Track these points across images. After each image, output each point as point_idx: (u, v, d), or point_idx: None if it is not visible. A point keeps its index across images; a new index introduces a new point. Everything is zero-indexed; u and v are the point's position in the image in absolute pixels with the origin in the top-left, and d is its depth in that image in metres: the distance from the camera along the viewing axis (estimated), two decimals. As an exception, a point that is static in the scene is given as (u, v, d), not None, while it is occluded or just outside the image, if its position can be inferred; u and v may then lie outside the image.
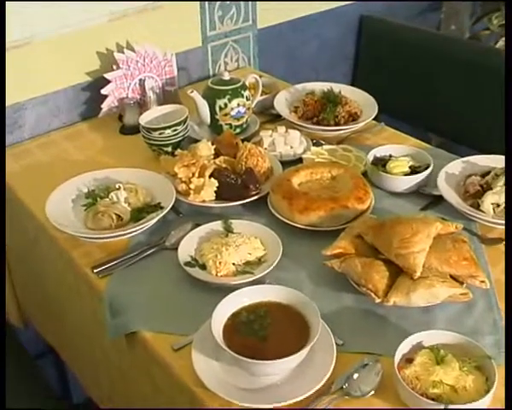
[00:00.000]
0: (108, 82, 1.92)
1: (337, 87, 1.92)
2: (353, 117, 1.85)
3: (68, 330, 1.68)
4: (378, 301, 1.20)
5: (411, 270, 1.20)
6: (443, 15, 2.98)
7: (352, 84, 2.30)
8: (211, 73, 2.27)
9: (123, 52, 1.93)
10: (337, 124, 1.82)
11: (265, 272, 1.28)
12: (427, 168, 1.56)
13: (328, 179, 1.54)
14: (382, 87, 2.34)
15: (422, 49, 2.48)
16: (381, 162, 1.60)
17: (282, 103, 1.92)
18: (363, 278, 1.22)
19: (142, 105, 1.94)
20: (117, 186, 1.50)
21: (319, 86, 1.95)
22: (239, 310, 1.13)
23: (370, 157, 1.62)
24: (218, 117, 1.78)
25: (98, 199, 1.48)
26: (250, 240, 1.36)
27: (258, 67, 2.40)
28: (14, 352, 1.64)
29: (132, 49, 1.95)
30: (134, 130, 1.84)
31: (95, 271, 1.35)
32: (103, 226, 1.43)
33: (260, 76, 1.97)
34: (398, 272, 1.23)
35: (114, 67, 1.93)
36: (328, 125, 1.81)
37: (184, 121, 1.71)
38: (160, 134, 1.68)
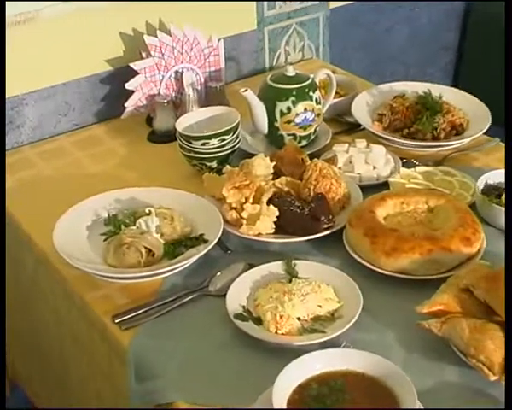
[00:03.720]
0: (136, 73, 1.97)
1: (436, 89, 1.95)
2: (457, 130, 1.88)
3: (71, 397, 1.73)
4: (493, 378, 1.21)
5: (539, 338, 1.21)
6: None
7: (455, 85, 2.33)
8: (267, 65, 2.34)
9: (155, 35, 1.98)
10: (436, 138, 1.86)
11: (341, 331, 1.31)
12: (558, 202, 1.58)
13: (423, 212, 1.57)
14: (496, 90, 2.36)
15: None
16: (495, 192, 1.63)
17: (361, 109, 1.97)
18: (472, 347, 1.24)
19: (178, 105, 2.01)
20: (147, 211, 1.55)
21: (412, 87, 2.00)
22: (307, 381, 1.16)
23: (481, 184, 1.65)
24: (278, 125, 1.83)
25: (122, 227, 1.53)
26: (320, 288, 1.39)
27: (328, 59, 2.45)
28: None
29: (167, 32, 2.00)
30: (167, 137, 1.91)
31: (116, 321, 1.40)
32: (129, 263, 1.47)
33: (333, 71, 2.00)
34: (519, 340, 1.25)
35: (143, 54, 1.99)
36: (423, 140, 1.85)
37: (234, 129, 1.76)
38: (203, 145, 1.73)
